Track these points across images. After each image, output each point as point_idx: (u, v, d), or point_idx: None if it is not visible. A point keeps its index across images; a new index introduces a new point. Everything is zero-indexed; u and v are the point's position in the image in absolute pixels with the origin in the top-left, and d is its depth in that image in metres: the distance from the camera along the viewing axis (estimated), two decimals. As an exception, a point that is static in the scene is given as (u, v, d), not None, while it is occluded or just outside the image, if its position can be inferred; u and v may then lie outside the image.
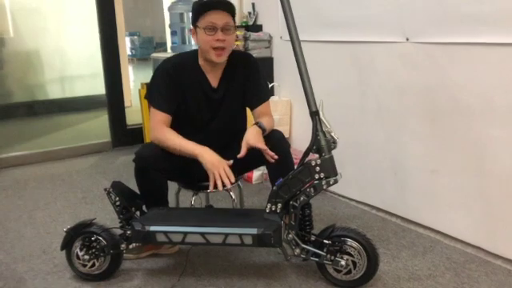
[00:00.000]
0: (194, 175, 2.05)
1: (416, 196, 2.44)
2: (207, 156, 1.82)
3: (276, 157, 1.82)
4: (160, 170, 1.92)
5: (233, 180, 1.79)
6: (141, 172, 1.93)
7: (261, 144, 1.82)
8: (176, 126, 1.99)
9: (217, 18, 1.85)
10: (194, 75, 1.98)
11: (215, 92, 2.00)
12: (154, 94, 1.96)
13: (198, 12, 1.88)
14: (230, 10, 1.89)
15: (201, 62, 1.99)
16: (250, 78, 2.04)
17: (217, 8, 1.85)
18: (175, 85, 1.94)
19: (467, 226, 2.21)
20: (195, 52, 2.01)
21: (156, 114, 1.93)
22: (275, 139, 1.94)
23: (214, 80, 2.01)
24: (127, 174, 1.97)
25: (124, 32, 5.59)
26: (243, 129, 2.14)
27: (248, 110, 2.13)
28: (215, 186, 1.78)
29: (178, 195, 2.26)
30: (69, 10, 5.01)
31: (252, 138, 1.83)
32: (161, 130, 1.91)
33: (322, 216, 2.60)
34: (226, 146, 2.05)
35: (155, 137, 1.92)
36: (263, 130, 1.91)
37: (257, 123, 1.93)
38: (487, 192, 2.10)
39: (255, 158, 1.98)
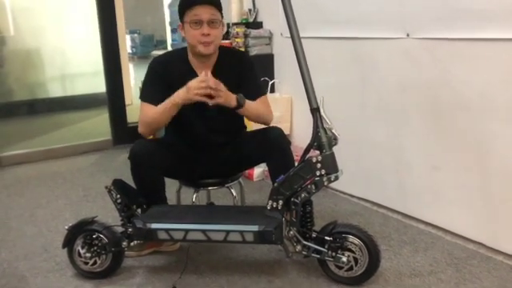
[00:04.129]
0: (190, 171, 2.05)
1: (417, 192, 2.43)
2: (179, 93, 1.80)
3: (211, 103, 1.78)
4: (155, 167, 1.92)
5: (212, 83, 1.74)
6: (136, 169, 1.93)
7: (217, 99, 1.78)
8: (175, 126, 2.02)
9: (202, 11, 1.85)
10: (183, 70, 1.97)
11: None
12: (142, 91, 1.99)
13: (184, 7, 1.88)
14: (216, 3, 1.89)
15: (190, 57, 1.98)
16: (243, 74, 2.01)
17: (202, 2, 1.85)
18: (163, 80, 1.95)
19: (468, 222, 2.21)
20: (185, 48, 2.01)
21: (143, 106, 1.94)
22: (274, 136, 1.94)
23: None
24: (128, 171, 1.96)
25: (124, 30, 5.58)
26: (242, 127, 2.13)
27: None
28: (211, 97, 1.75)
29: (179, 193, 2.26)
30: (69, 8, 5.00)
31: (225, 93, 1.80)
32: (144, 116, 1.91)
33: (323, 213, 2.59)
34: (224, 144, 2.04)
35: (142, 126, 1.92)
36: (239, 101, 1.86)
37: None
38: (488, 188, 2.10)
39: (256, 154, 1.99)
